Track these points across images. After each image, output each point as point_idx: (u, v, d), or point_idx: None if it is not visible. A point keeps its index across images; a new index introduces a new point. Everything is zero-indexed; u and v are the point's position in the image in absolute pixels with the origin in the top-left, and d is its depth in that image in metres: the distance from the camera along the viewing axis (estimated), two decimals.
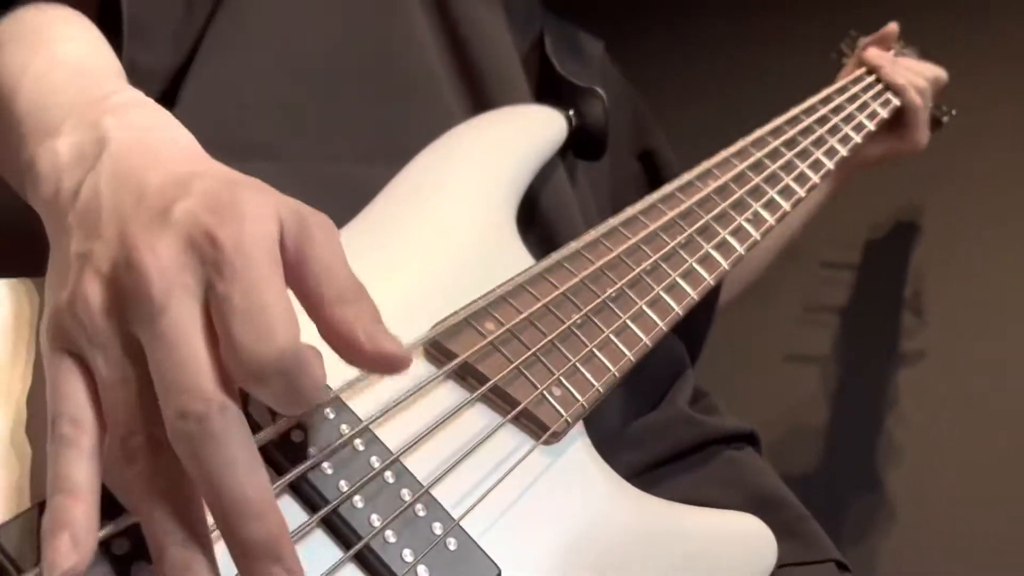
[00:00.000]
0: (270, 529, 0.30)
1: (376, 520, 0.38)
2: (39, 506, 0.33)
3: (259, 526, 0.30)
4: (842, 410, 1.08)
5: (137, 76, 0.48)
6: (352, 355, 0.34)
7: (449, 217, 0.56)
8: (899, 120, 0.94)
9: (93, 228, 0.34)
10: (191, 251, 0.32)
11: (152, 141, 0.38)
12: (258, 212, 0.33)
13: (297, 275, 0.34)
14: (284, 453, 0.38)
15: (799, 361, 1.13)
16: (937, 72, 0.98)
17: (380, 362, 0.34)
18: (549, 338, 0.49)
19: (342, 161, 0.59)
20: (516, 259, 0.55)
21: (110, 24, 0.54)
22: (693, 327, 0.72)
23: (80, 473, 0.31)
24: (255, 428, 0.37)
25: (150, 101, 0.42)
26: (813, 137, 0.78)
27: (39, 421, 0.35)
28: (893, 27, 0.99)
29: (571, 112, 0.70)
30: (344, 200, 0.54)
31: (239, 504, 0.30)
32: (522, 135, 0.65)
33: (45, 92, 0.42)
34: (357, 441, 0.40)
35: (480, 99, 0.66)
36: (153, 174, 0.35)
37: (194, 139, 0.40)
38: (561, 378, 0.48)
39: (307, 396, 0.32)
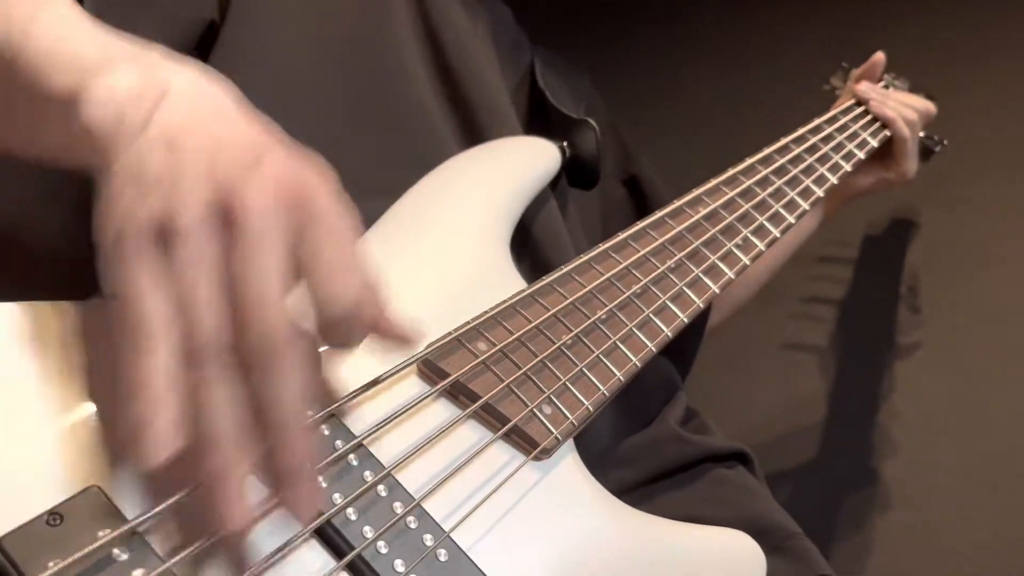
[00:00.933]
0: (309, 446, 0.35)
1: (369, 531, 0.39)
2: (47, 515, 0.34)
3: (302, 442, 0.34)
4: (837, 405, 1.09)
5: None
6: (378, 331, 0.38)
7: (445, 242, 0.57)
8: (888, 151, 0.96)
9: (175, 153, 0.35)
10: (285, 202, 0.35)
11: (211, 94, 0.40)
12: (332, 186, 0.38)
13: None
14: None
15: (795, 355, 1.14)
16: (927, 104, 1.01)
17: (398, 337, 0.40)
18: (540, 358, 0.51)
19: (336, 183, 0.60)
20: (509, 283, 0.57)
21: None
22: (682, 349, 0.73)
23: (164, 375, 0.33)
24: None
25: (188, 57, 0.42)
26: (803, 166, 0.80)
27: (56, 430, 0.37)
28: (880, 57, 1.01)
29: (564, 143, 0.72)
30: None
31: (295, 416, 0.34)
32: (517, 165, 0.67)
33: (66, 35, 0.41)
34: (351, 456, 0.41)
35: (471, 130, 0.68)
36: (229, 128, 0.38)
37: (242, 96, 0.41)
38: (551, 396, 0.49)
39: (361, 334, 0.37)
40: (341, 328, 0.36)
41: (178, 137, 0.36)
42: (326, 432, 0.41)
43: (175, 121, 0.37)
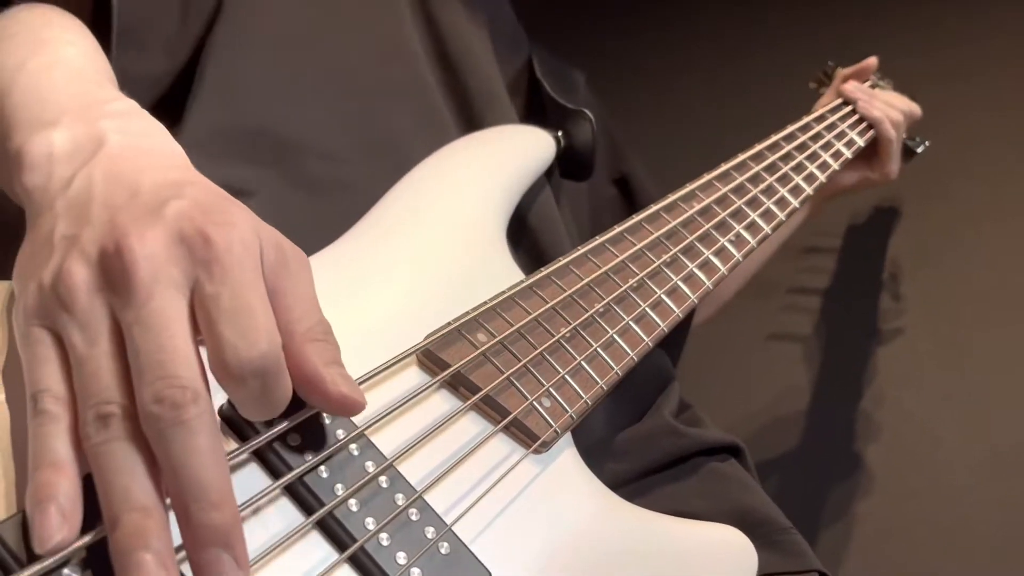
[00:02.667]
0: (225, 518, 0.31)
1: (371, 523, 0.39)
2: None
3: (215, 514, 0.31)
4: (824, 393, 1.11)
5: (128, 82, 0.49)
6: (311, 391, 0.36)
7: (442, 231, 0.57)
8: (872, 151, 0.97)
9: (83, 215, 0.35)
10: (181, 245, 0.33)
11: (147, 146, 0.40)
12: (246, 222, 0.35)
13: (271, 304, 0.35)
14: (281, 457, 0.38)
15: (781, 344, 1.15)
16: (912, 106, 1.02)
17: (338, 404, 0.36)
18: (539, 350, 0.50)
19: (342, 164, 0.60)
20: (506, 273, 0.57)
21: (102, 28, 0.55)
22: (669, 342, 0.74)
23: (64, 448, 0.31)
24: (248, 432, 0.38)
25: (145, 113, 0.43)
26: (793, 163, 0.80)
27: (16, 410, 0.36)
28: (873, 61, 1.02)
29: (560, 133, 0.71)
30: (341, 203, 0.55)
31: (199, 491, 0.31)
32: (513, 154, 0.66)
33: (42, 88, 0.43)
34: (353, 447, 0.41)
35: (468, 115, 0.67)
36: (147, 175, 0.36)
37: (183, 152, 0.41)
38: (551, 389, 0.49)
39: (277, 402, 0.34)
40: (246, 386, 0.32)
41: (92, 196, 0.35)
42: (327, 421, 0.40)
43: (96, 178, 0.36)
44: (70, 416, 0.32)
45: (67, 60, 0.46)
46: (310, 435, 0.40)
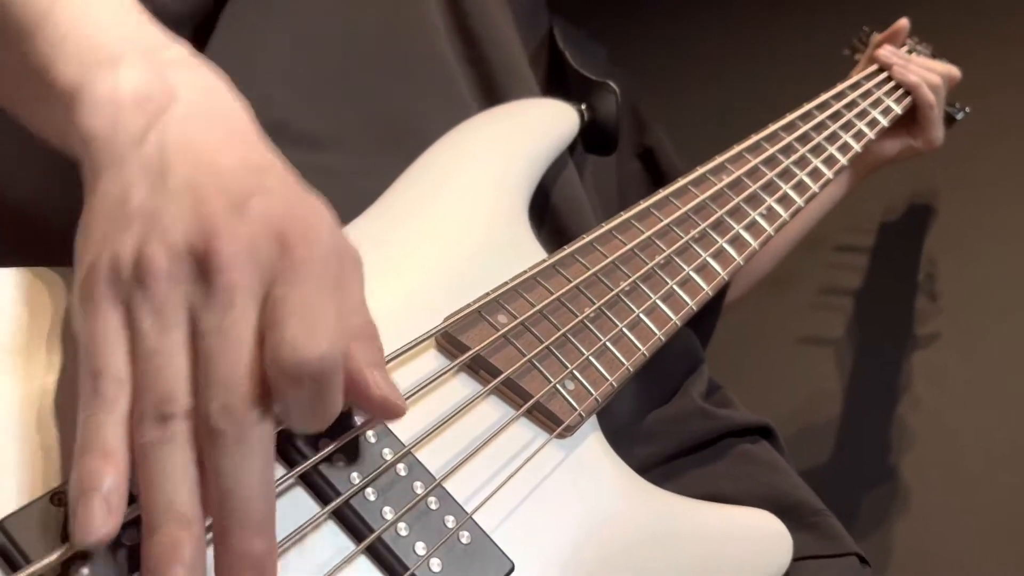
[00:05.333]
0: (264, 545, 0.31)
1: (388, 513, 0.37)
2: (50, 495, 0.32)
3: (257, 541, 0.30)
4: (856, 394, 1.08)
5: (165, 21, 0.46)
6: (353, 390, 0.35)
7: (462, 210, 0.55)
8: (913, 118, 0.93)
9: (161, 185, 0.33)
10: (264, 250, 0.32)
11: (217, 109, 0.37)
12: (321, 222, 0.34)
13: None
14: (296, 446, 0.37)
15: (813, 345, 1.12)
16: (950, 69, 0.98)
17: (379, 406, 0.35)
18: (562, 331, 0.49)
19: (357, 146, 0.58)
20: (529, 252, 0.55)
21: None
22: (700, 322, 0.71)
23: (116, 437, 0.30)
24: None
25: (207, 62, 0.40)
26: (826, 133, 0.77)
27: (60, 407, 0.35)
28: (904, 23, 0.98)
29: (583, 106, 0.69)
30: (358, 183, 0.53)
31: (245, 515, 0.30)
32: (535, 128, 0.64)
33: (85, 21, 0.39)
34: (369, 433, 0.39)
35: (490, 90, 0.66)
36: (227, 154, 0.35)
37: (249, 115, 0.39)
38: (575, 372, 0.47)
39: (328, 413, 0.33)
40: (301, 388, 0.31)
41: (169, 163, 0.34)
42: (343, 409, 0.39)
43: (171, 140, 0.34)
44: (127, 405, 0.31)
45: None
46: None
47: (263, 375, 0.31)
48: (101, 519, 0.29)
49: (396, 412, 0.36)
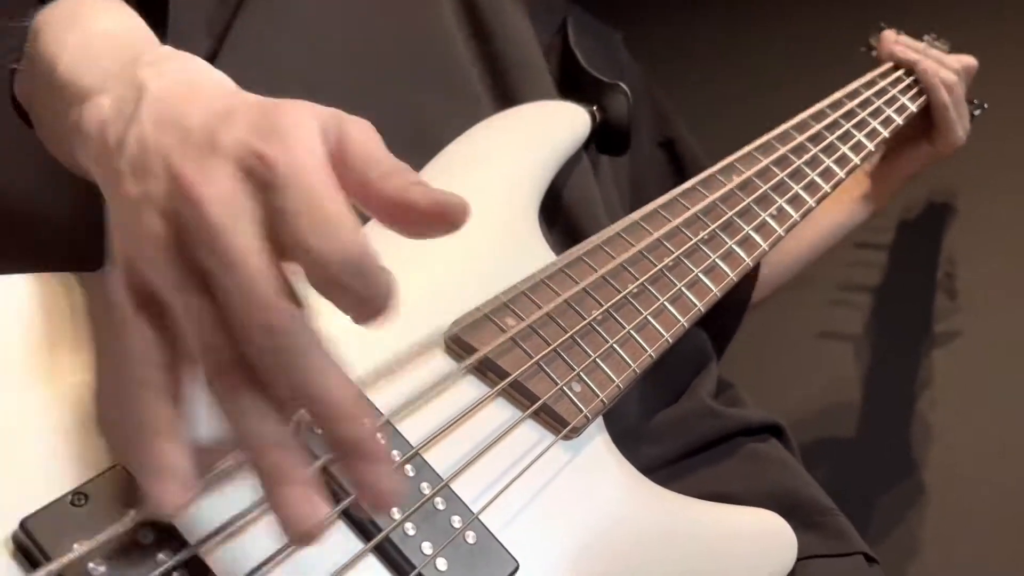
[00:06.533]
0: (365, 429, 0.32)
1: (396, 513, 0.38)
2: (71, 495, 0.34)
3: (351, 426, 0.32)
4: (874, 392, 1.07)
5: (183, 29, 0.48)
6: (411, 218, 0.35)
7: (473, 212, 0.56)
8: (930, 122, 0.92)
9: (144, 169, 0.34)
10: (244, 175, 0.33)
11: (187, 81, 0.39)
12: (301, 126, 0.34)
13: (342, 172, 0.34)
14: (307, 448, 0.38)
15: (831, 342, 1.12)
16: (966, 61, 0.96)
17: (439, 212, 0.35)
18: (570, 334, 0.49)
19: None
20: (538, 254, 0.56)
21: (150, 16, 0.55)
22: (721, 324, 0.72)
23: (166, 413, 0.32)
24: None
25: (181, 52, 0.42)
26: (839, 132, 0.77)
27: (78, 410, 0.36)
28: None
29: (595, 108, 0.70)
30: None
31: (331, 405, 0.32)
32: (547, 132, 0.65)
33: (85, 59, 0.43)
34: (378, 435, 0.40)
35: (505, 89, 0.66)
36: (194, 110, 0.35)
37: (225, 76, 0.40)
38: (581, 374, 0.48)
39: (383, 293, 0.33)
40: (353, 288, 0.31)
41: (147, 147, 0.35)
42: None
43: (147, 128, 0.36)
44: (170, 380, 0.33)
45: (105, 29, 0.46)
46: None
47: (283, 282, 0.32)
48: (175, 493, 0.31)
49: (457, 212, 0.35)
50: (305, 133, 0.33)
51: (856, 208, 0.94)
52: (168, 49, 0.42)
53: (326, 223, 0.31)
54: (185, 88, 0.38)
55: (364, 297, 0.32)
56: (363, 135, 0.35)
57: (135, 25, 0.49)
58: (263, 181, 0.32)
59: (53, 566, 0.31)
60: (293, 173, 0.32)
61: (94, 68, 0.41)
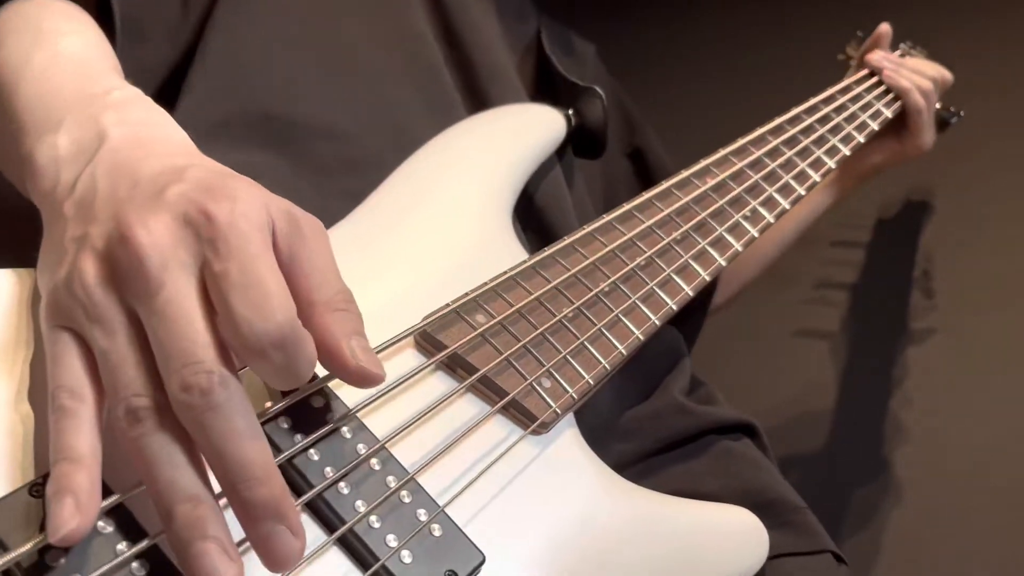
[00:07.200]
0: (273, 492, 0.32)
1: (361, 506, 0.38)
2: (29, 486, 0.33)
3: (263, 489, 0.31)
4: (849, 390, 1.08)
5: (133, 72, 0.49)
6: (331, 364, 0.36)
7: (447, 212, 0.56)
8: (902, 123, 0.94)
9: (88, 213, 0.35)
10: (185, 227, 0.33)
11: (148, 135, 0.39)
12: (250, 195, 0.34)
13: (288, 274, 0.34)
14: (269, 437, 0.38)
15: (807, 340, 1.12)
16: (942, 71, 0.98)
17: (357, 377, 0.36)
18: (540, 331, 0.49)
19: (348, 147, 0.59)
20: (511, 254, 0.56)
21: (107, 20, 0.55)
22: (686, 321, 0.72)
23: (81, 442, 0.32)
24: None
25: (148, 99, 0.43)
26: (815, 136, 0.78)
27: (40, 401, 0.36)
28: (884, 28, 0.99)
29: (571, 111, 0.70)
30: (348, 185, 0.55)
31: (243, 469, 0.31)
32: (522, 133, 0.65)
33: (46, 87, 0.43)
34: (344, 429, 0.40)
35: (475, 92, 0.67)
36: (148, 164, 0.36)
37: (187, 137, 0.41)
38: (551, 370, 0.48)
39: (303, 370, 0.34)
40: (269, 359, 0.32)
41: (95, 191, 0.35)
42: (319, 403, 0.40)
43: (100, 173, 0.36)
44: (90, 411, 0.32)
45: (68, 53, 0.46)
46: (301, 419, 0.39)
47: (214, 340, 0.32)
48: (68, 517, 0.30)
49: (374, 380, 0.36)
50: (253, 204, 0.34)
51: (818, 199, 0.95)
52: (133, 92, 0.43)
53: (260, 292, 0.32)
54: (144, 143, 0.38)
55: (282, 370, 0.33)
56: (317, 242, 0.36)
57: (100, 47, 0.49)
58: (203, 237, 0.32)
59: (10, 556, 0.31)
60: (235, 236, 0.32)
61: (55, 99, 0.42)
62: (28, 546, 0.31)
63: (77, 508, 0.30)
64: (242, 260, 0.32)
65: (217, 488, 0.33)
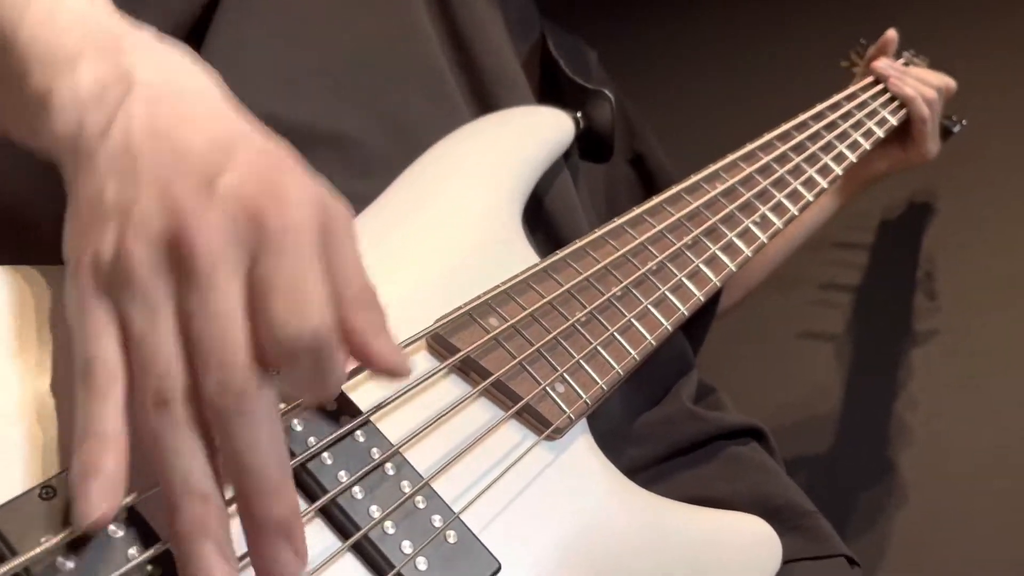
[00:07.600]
0: (285, 508, 0.31)
1: (375, 511, 0.38)
2: (39, 489, 0.33)
3: (276, 503, 0.31)
4: (854, 393, 1.08)
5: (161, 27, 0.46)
6: (359, 357, 0.35)
7: (456, 214, 0.56)
8: (906, 131, 0.94)
9: (131, 176, 0.33)
10: (237, 227, 0.32)
11: (181, 85, 0.37)
12: (300, 195, 0.34)
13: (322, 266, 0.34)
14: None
15: (812, 342, 1.12)
16: (946, 80, 0.98)
17: (384, 371, 0.35)
18: (553, 335, 0.49)
19: (354, 150, 0.59)
20: (521, 257, 0.55)
21: None
22: (693, 327, 0.72)
23: (113, 420, 0.31)
24: None
25: (167, 39, 0.40)
26: (821, 142, 0.78)
27: (48, 404, 0.35)
28: (892, 34, 0.99)
29: (579, 114, 0.70)
30: (354, 189, 0.54)
31: (260, 480, 0.31)
32: (531, 135, 0.65)
33: (54, 22, 0.39)
34: (358, 433, 0.40)
35: (481, 95, 0.66)
36: (192, 131, 0.35)
37: (220, 84, 0.39)
38: (565, 375, 0.48)
39: (332, 380, 0.33)
40: (299, 363, 0.32)
41: (136, 152, 0.34)
42: (333, 407, 0.39)
43: (136, 127, 0.34)
44: (120, 392, 0.32)
45: (74, 3, 0.41)
46: (315, 423, 0.39)
47: (255, 346, 0.31)
48: (98, 501, 0.30)
49: (402, 374, 0.36)
50: (303, 210, 0.33)
51: (822, 205, 0.95)
52: (149, 33, 0.40)
53: (302, 294, 0.31)
54: (180, 96, 0.36)
55: (312, 377, 0.32)
56: (348, 236, 0.35)
57: (105, 4, 0.47)
58: (254, 239, 0.32)
59: (20, 560, 0.30)
60: (284, 242, 0.32)
61: (66, 33, 0.38)
62: (38, 550, 0.30)
63: (104, 493, 0.30)
64: (289, 264, 0.32)
65: (228, 494, 0.32)
